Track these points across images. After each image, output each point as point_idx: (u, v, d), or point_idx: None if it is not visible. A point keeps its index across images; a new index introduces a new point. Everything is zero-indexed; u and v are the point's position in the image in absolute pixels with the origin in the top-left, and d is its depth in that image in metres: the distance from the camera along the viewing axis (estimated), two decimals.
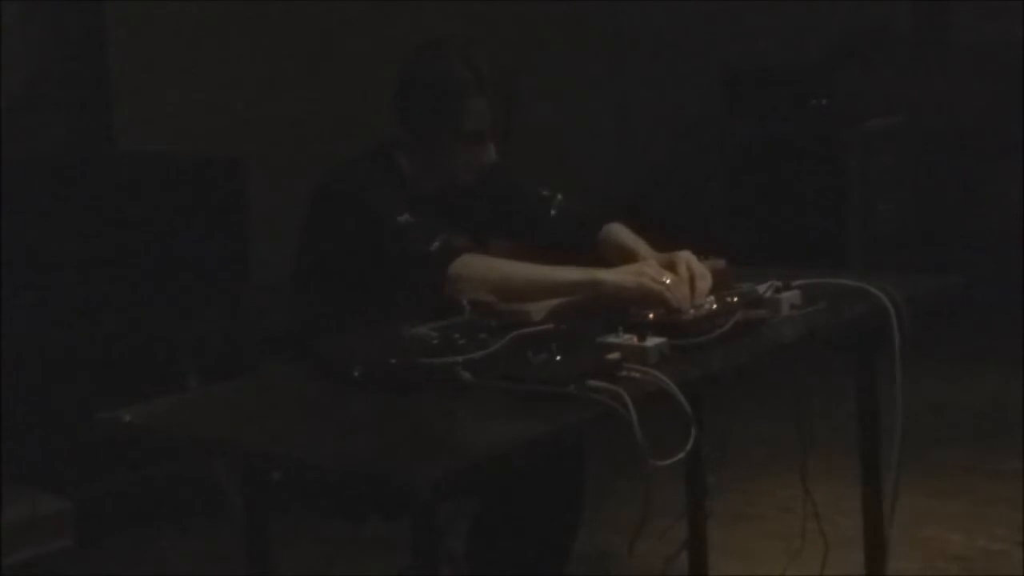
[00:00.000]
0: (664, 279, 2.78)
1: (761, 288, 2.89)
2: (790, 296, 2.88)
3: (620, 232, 3.18)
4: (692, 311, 2.75)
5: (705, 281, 2.85)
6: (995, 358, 5.64)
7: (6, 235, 4.34)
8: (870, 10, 6.52)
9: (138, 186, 4.69)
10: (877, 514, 3.26)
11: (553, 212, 3.23)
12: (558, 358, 2.47)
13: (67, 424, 4.28)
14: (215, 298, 4.67)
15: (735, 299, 2.82)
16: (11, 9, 4.92)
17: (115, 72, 5.13)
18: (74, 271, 4.46)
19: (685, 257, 2.90)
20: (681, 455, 2.36)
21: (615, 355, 2.47)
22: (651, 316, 2.70)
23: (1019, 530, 4.06)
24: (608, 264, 2.99)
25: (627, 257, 3.06)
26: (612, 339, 2.57)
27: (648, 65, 6.98)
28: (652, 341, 2.55)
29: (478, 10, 5.83)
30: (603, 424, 2.32)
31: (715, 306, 2.77)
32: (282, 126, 5.50)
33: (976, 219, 6.39)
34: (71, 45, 5.11)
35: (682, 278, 2.82)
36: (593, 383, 2.35)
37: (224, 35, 5.42)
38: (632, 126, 7.00)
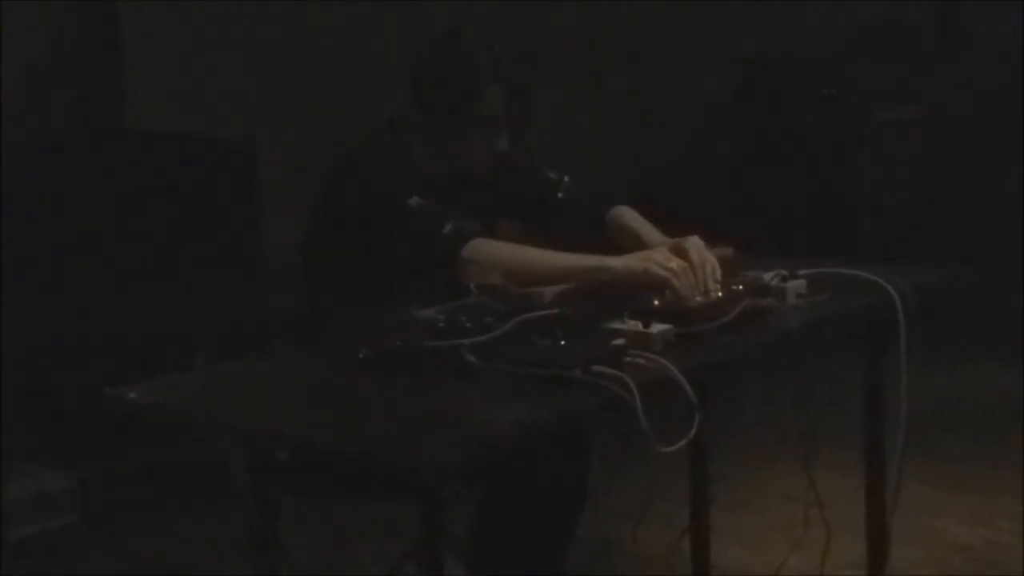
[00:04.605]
0: (672, 265, 2.78)
1: (767, 276, 2.89)
2: (796, 285, 2.88)
3: (628, 215, 3.20)
4: (699, 298, 2.75)
5: (714, 268, 2.85)
6: (1004, 351, 5.63)
7: (16, 214, 4.35)
8: (886, 1, 6.50)
9: (149, 165, 4.70)
10: (880, 503, 3.27)
11: (561, 195, 3.24)
12: (563, 343, 2.47)
13: (74, 401, 4.29)
14: (225, 278, 4.68)
15: (741, 287, 2.82)
16: None
17: (127, 51, 5.14)
18: (84, 250, 4.47)
19: (694, 243, 2.91)
20: (684, 442, 2.36)
21: (620, 341, 2.48)
22: (657, 302, 2.70)
23: (1022, 521, 4.06)
24: (615, 247, 3.00)
25: (634, 240, 3.08)
26: (617, 325, 2.57)
27: (662, 53, 6.98)
28: (657, 328, 2.55)
29: None
30: (607, 410, 2.32)
31: (721, 294, 2.78)
32: (294, 107, 5.50)
33: (989, 212, 6.38)
34: (84, 24, 5.12)
35: (693, 264, 2.83)
36: (598, 368, 2.36)
37: (237, 15, 5.42)
38: (645, 114, 6.99)
